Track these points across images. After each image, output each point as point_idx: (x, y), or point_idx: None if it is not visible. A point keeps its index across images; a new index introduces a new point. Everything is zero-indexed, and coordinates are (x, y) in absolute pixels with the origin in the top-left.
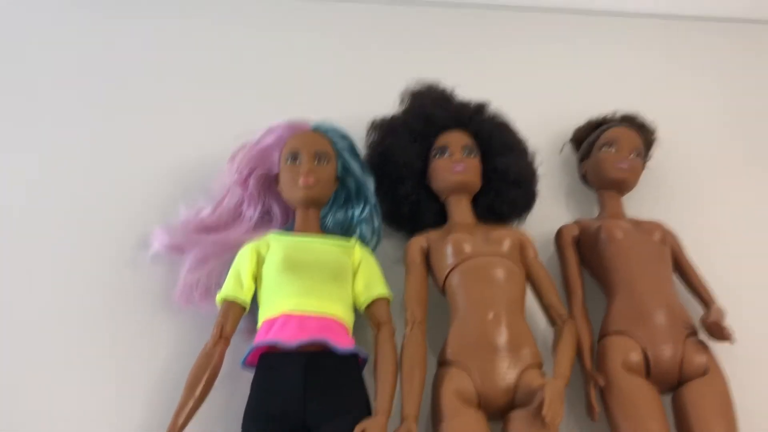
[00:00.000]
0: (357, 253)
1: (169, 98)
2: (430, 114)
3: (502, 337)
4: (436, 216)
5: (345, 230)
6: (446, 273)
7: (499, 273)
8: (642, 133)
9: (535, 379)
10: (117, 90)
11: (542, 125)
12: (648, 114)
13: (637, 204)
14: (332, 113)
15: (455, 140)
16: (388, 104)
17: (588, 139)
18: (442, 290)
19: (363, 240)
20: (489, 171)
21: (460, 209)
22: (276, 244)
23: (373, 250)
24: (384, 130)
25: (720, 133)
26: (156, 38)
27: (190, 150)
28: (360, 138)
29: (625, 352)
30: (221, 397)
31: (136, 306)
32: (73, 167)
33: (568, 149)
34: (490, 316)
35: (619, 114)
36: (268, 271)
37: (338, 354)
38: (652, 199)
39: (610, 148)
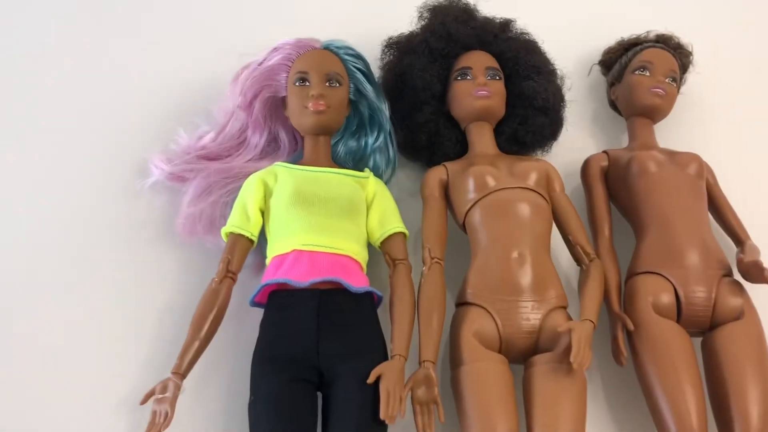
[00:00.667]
0: (371, 185)
1: (167, 14)
2: (450, 31)
3: (527, 278)
4: (456, 145)
5: (357, 160)
6: (467, 208)
7: (525, 208)
8: (678, 56)
9: (560, 322)
10: (111, 7)
11: (568, 45)
12: (682, 35)
13: (668, 133)
14: (343, 30)
15: (478, 61)
16: (405, 21)
17: (619, 61)
18: (463, 226)
19: (376, 170)
20: (514, 96)
21: (482, 138)
22: (285, 176)
23: (387, 181)
24: (401, 50)
25: (761, 56)
26: None
27: (189, 70)
28: (374, 58)
29: (655, 292)
30: (228, 335)
31: (136, 238)
32: (66, 90)
33: (597, 72)
34: (515, 254)
35: (653, 34)
36: (277, 205)
37: (352, 293)
38: (684, 128)
39: (643, 72)
